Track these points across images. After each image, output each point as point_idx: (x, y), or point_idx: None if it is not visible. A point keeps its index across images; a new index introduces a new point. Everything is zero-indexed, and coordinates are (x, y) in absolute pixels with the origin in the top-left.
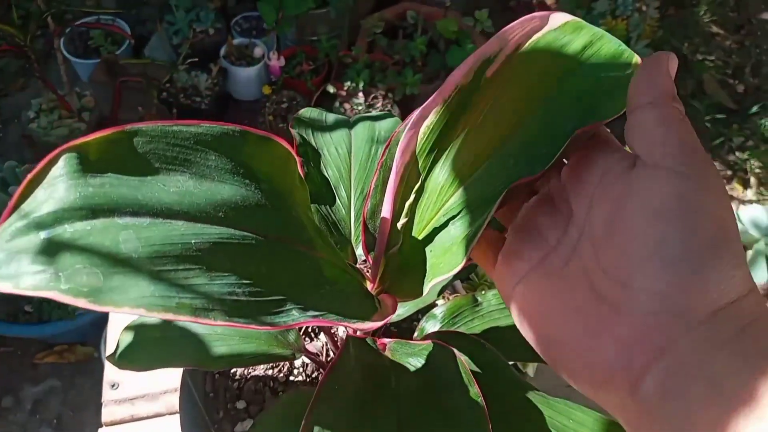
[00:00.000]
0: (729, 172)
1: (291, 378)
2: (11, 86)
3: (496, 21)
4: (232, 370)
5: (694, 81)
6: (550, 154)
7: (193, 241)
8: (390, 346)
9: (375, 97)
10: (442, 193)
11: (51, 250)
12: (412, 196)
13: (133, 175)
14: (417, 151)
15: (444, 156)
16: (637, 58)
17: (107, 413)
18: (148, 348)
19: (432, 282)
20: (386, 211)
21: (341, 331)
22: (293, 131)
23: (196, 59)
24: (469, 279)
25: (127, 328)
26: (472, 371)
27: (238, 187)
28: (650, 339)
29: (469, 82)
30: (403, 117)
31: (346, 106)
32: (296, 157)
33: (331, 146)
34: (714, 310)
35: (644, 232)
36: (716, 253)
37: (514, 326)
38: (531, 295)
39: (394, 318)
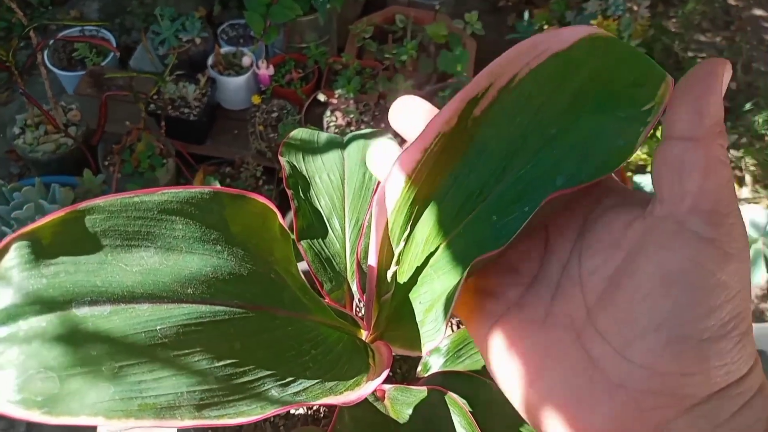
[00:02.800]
0: None
1: (292, 411)
2: None
3: (486, 22)
4: None
5: None
6: (523, 218)
7: (158, 328)
8: (390, 395)
9: (366, 104)
10: (428, 244)
11: (3, 355)
12: (402, 244)
13: (91, 258)
14: (399, 203)
15: (430, 206)
16: (668, 84)
17: None
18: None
19: (426, 347)
20: (372, 259)
21: None
22: (282, 159)
23: (183, 72)
24: None
25: None
26: (472, 412)
27: (208, 256)
28: (647, 418)
29: (452, 127)
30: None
31: (338, 114)
32: (275, 210)
33: (323, 173)
34: (716, 391)
35: (654, 299)
36: (726, 335)
37: None
38: (509, 343)
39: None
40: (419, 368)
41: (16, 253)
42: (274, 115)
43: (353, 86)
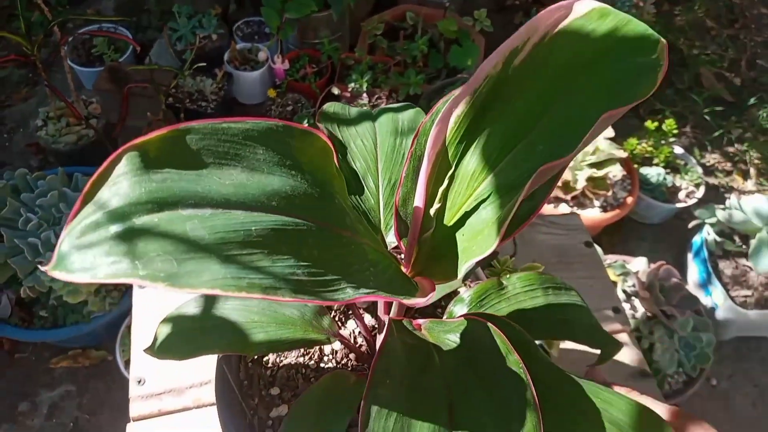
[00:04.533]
0: (729, 164)
1: (321, 365)
2: (15, 96)
3: (494, 20)
4: (264, 359)
5: (691, 75)
6: (576, 139)
7: (253, 228)
8: (426, 326)
9: (379, 98)
10: (473, 180)
11: (124, 242)
12: (446, 182)
13: (191, 170)
14: (448, 140)
15: (474, 144)
16: (662, 42)
17: (135, 408)
18: (187, 338)
19: (467, 264)
20: (419, 197)
21: (368, 319)
22: (320, 126)
23: (204, 63)
24: (491, 266)
25: (165, 320)
26: None
27: (285, 178)
28: None
29: (498, 72)
30: None
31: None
32: (332, 148)
33: (357, 139)
34: None
35: None
36: None
37: (539, 308)
38: None
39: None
40: (445, 317)
41: (128, 162)
42: (289, 108)
43: (366, 80)
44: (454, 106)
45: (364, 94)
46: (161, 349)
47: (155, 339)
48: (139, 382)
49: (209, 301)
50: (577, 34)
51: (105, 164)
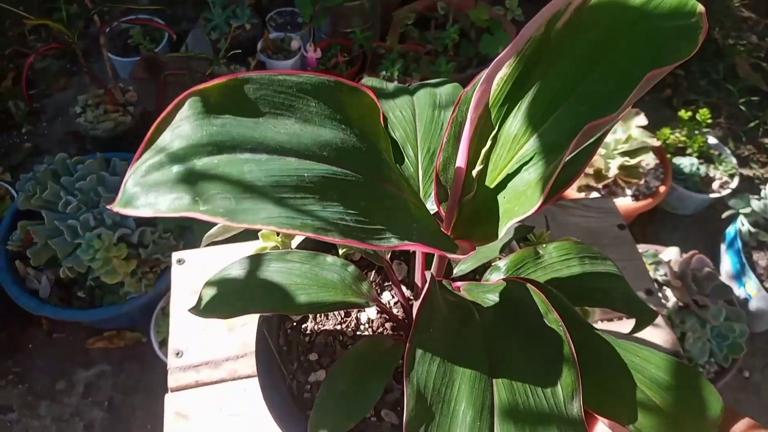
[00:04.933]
0: (764, 155)
1: (358, 333)
2: (53, 86)
3: (525, 10)
4: (303, 326)
5: (726, 65)
6: (622, 98)
7: (305, 175)
8: (465, 288)
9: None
10: (515, 142)
11: (185, 181)
12: (488, 143)
13: (248, 117)
14: (491, 103)
15: (517, 106)
16: (700, 8)
17: (173, 379)
18: (230, 298)
19: (508, 224)
20: (461, 160)
21: (404, 290)
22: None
23: (239, 51)
24: (526, 239)
25: (209, 283)
26: None
27: (336, 130)
28: None
29: (542, 34)
30: None
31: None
32: (380, 107)
33: (396, 110)
34: None
35: None
36: None
37: (575, 277)
38: None
39: (456, 273)
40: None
41: (190, 106)
42: None
43: (397, 69)
44: (497, 68)
45: (395, 82)
46: (206, 309)
47: (200, 300)
48: (177, 354)
49: (252, 263)
50: None
51: (169, 108)
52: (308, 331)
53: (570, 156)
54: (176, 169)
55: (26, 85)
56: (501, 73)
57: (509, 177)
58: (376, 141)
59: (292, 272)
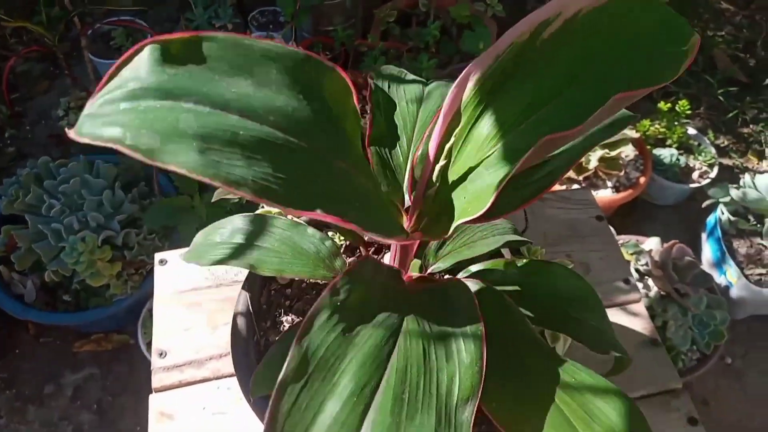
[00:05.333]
0: (743, 145)
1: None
2: (35, 89)
3: (505, 5)
4: (287, 290)
5: (705, 57)
6: (586, 115)
7: (240, 132)
8: (413, 280)
9: None
10: (484, 144)
11: (124, 117)
12: (452, 140)
13: (203, 73)
14: (467, 102)
15: (491, 110)
16: (696, 37)
17: (157, 380)
18: (212, 249)
19: (458, 222)
20: (431, 154)
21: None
22: (370, 80)
23: None
24: (519, 252)
25: (201, 233)
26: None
27: (291, 99)
28: None
29: (525, 40)
30: None
31: (365, 92)
32: (353, 89)
33: (402, 101)
34: None
35: None
36: None
37: (548, 295)
38: None
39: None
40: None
41: (149, 53)
42: None
43: (379, 66)
44: (473, 70)
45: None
46: (191, 255)
47: (191, 247)
48: (161, 354)
49: (242, 221)
50: (611, 15)
51: (130, 51)
52: (290, 295)
53: (538, 163)
54: (123, 106)
55: (7, 88)
56: (479, 74)
57: (475, 177)
58: (340, 119)
59: (273, 236)
